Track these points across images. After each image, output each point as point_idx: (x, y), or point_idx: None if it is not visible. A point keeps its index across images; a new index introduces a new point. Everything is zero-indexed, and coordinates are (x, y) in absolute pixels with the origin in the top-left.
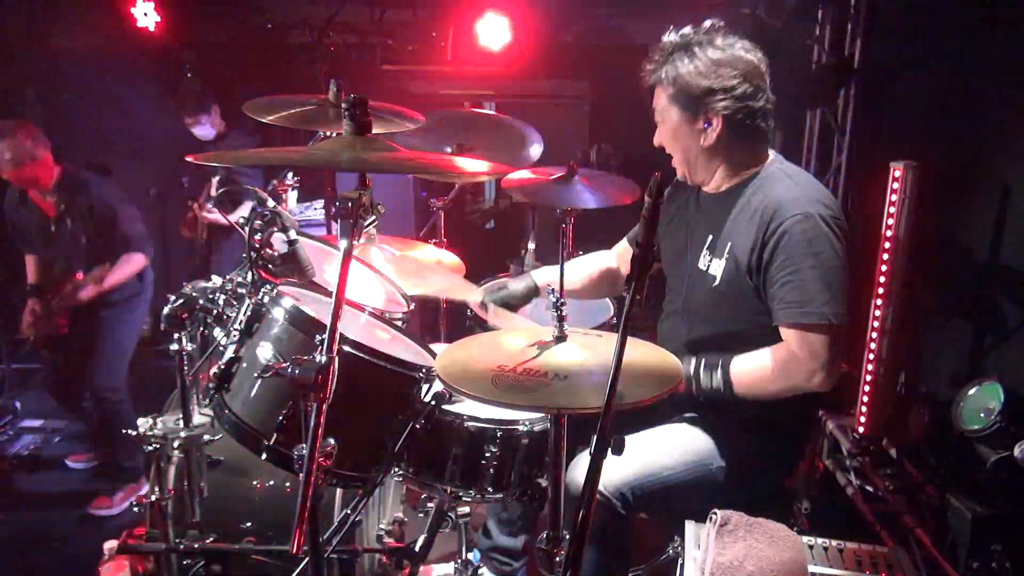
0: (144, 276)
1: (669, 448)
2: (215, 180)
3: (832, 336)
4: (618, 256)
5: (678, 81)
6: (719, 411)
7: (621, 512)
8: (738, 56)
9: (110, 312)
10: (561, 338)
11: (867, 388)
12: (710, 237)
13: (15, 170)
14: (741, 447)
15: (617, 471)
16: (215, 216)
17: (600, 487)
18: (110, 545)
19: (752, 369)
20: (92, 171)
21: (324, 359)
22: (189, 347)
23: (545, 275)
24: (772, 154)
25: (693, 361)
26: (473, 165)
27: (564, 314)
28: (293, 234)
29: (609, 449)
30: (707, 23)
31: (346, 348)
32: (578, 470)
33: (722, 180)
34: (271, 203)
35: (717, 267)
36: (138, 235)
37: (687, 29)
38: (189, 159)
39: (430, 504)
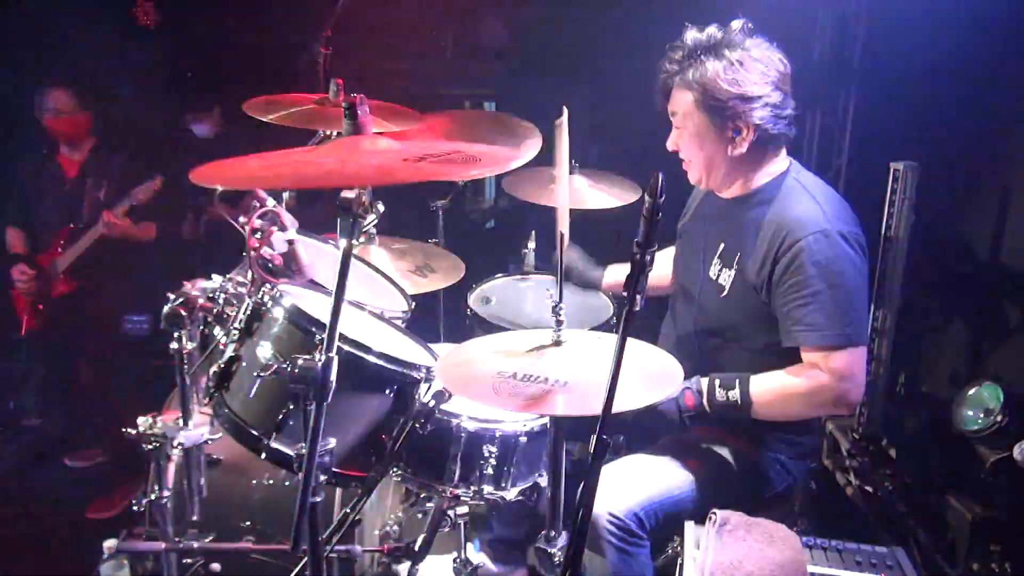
0: None
1: (676, 468)
2: None
3: (856, 356)
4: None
5: (708, 86)
6: (729, 428)
7: (640, 533)
8: (769, 61)
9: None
10: (560, 342)
11: (867, 388)
12: (722, 245)
13: (56, 118)
14: (751, 461)
15: (626, 496)
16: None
17: (615, 512)
18: (110, 545)
19: (775, 388)
20: None
21: (324, 359)
22: (189, 346)
23: (614, 274)
24: (789, 160)
25: (707, 379)
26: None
27: (562, 318)
28: (293, 233)
29: (608, 451)
30: (735, 23)
31: (346, 347)
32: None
33: (739, 186)
34: (271, 202)
35: (727, 277)
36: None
37: (713, 28)
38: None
39: (430, 504)
